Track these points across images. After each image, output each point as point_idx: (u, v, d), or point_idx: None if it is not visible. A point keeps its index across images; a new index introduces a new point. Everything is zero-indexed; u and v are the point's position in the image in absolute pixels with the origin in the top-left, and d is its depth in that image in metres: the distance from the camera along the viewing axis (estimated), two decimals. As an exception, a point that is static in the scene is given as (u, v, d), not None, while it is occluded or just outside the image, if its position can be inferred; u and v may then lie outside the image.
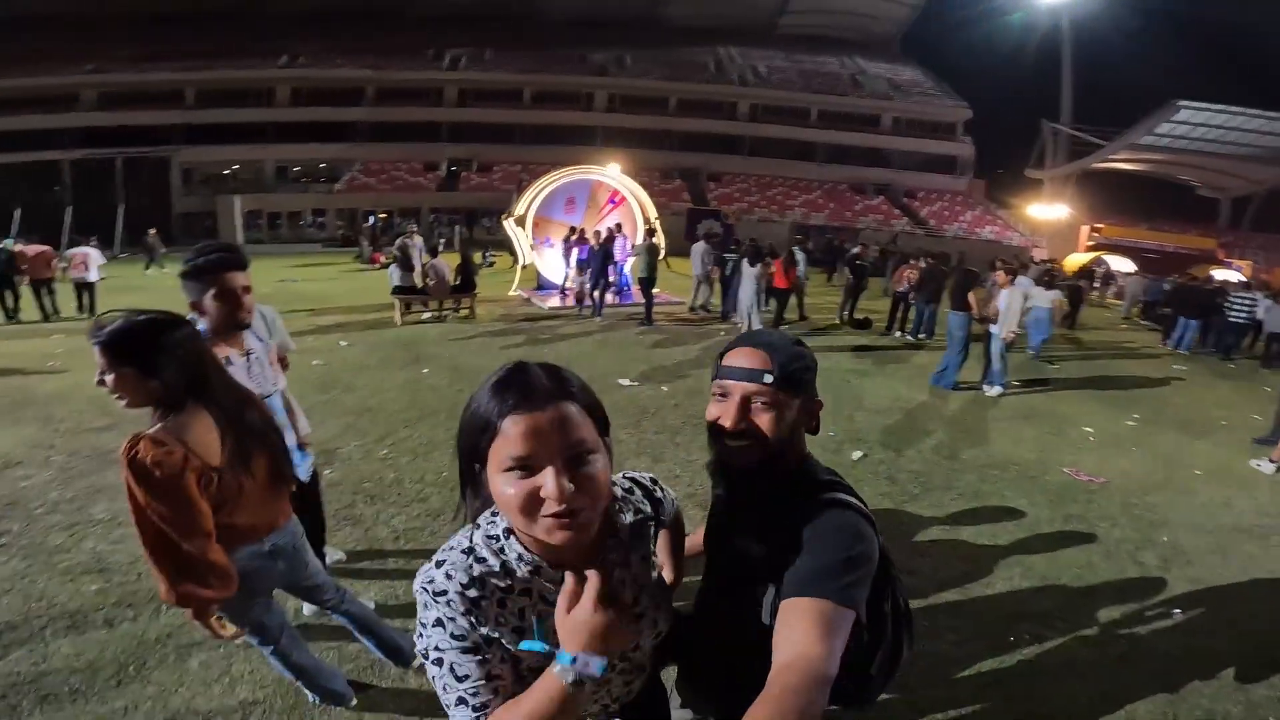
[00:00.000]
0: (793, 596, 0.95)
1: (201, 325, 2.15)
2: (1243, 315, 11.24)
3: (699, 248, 12.19)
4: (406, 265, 10.38)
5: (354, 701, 2.28)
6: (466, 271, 10.65)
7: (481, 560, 0.92)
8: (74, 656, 2.51)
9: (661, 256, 11.66)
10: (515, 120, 36.71)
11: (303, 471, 2.54)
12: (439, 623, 0.89)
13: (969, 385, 7.39)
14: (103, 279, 11.82)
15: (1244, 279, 18.39)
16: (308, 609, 2.74)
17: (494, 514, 0.95)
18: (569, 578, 0.87)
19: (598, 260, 10.60)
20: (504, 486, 0.85)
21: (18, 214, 25.42)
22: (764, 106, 39.03)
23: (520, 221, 12.79)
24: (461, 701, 0.89)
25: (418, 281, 10.32)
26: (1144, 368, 9.62)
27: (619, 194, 13.55)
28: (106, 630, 2.67)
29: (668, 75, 39.05)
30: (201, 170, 33.49)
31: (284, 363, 2.78)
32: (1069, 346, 11.00)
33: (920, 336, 10.30)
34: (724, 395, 1.10)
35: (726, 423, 1.07)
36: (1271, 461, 5.29)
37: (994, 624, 2.94)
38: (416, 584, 0.93)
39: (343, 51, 36.43)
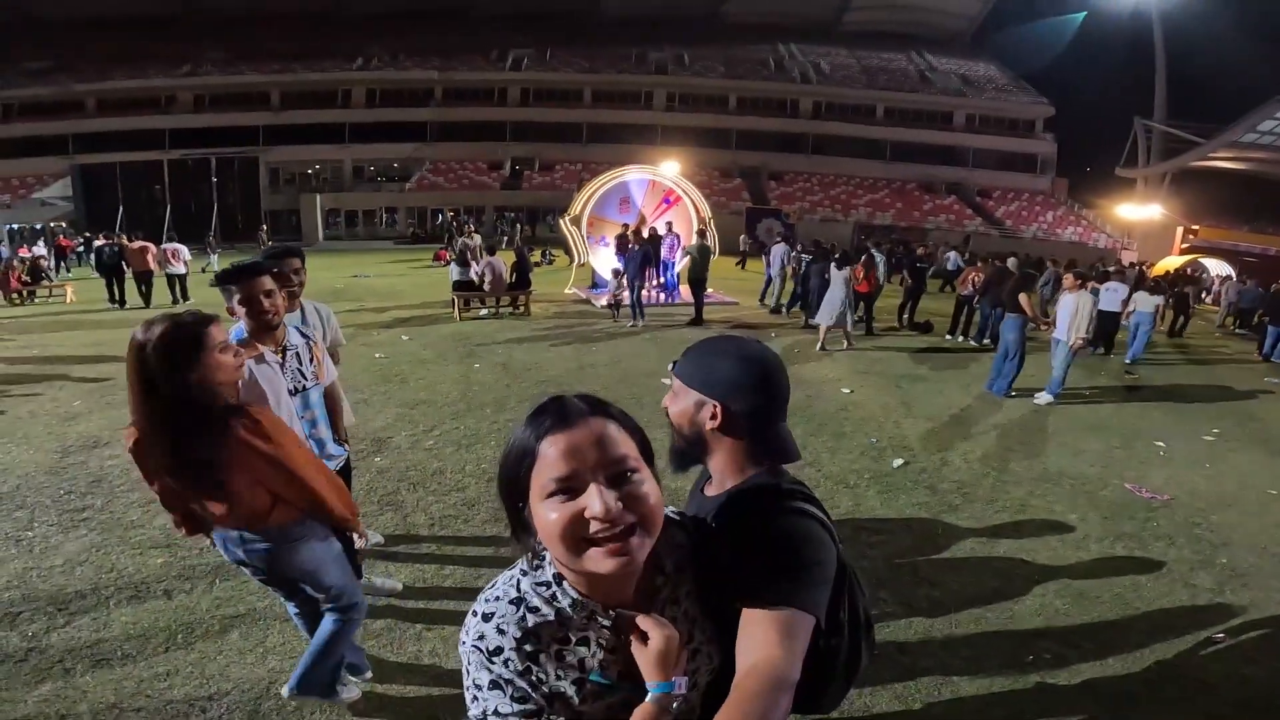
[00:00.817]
0: (753, 603, 0.94)
1: (240, 326, 2.36)
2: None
3: (779, 249, 12.42)
4: (465, 262, 10.74)
5: (369, 674, 2.43)
6: (521, 269, 10.93)
7: (534, 610, 0.87)
8: (131, 624, 2.75)
9: (715, 256, 11.67)
10: (576, 119, 37.25)
11: (333, 464, 2.60)
12: (496, 685, 0.84)
13: (1027, 393, 7.06)
14: (203, 271, 12.85)
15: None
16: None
17: (539, 559, 0.90)
18: (629, 621, 0.87)
19: (635, 262, 10.17)
20: (547, 513, 0.79)
21: (120, 211, 27.74)
22: (827, 104, 38.20)
23: (576, 221, 13.01)
24: None
25: (475, 279, 10.67)
26: (1233, 378, 8.94)
27: (674, 193, 13.58)
28: (164, 600, 2.92)
29: (727, 73, 38.71)
30: (286, 170, 35.54)
31: (334, 356, 3.01)
32: (1154, 354, 10.33)
33: (985, 341, 9.89)
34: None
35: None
36: (1363, 485, 4.83)
37: (1013, 641, 2.83)
38: (465, 642, 0.86)
39: (410, 53, 37.81)
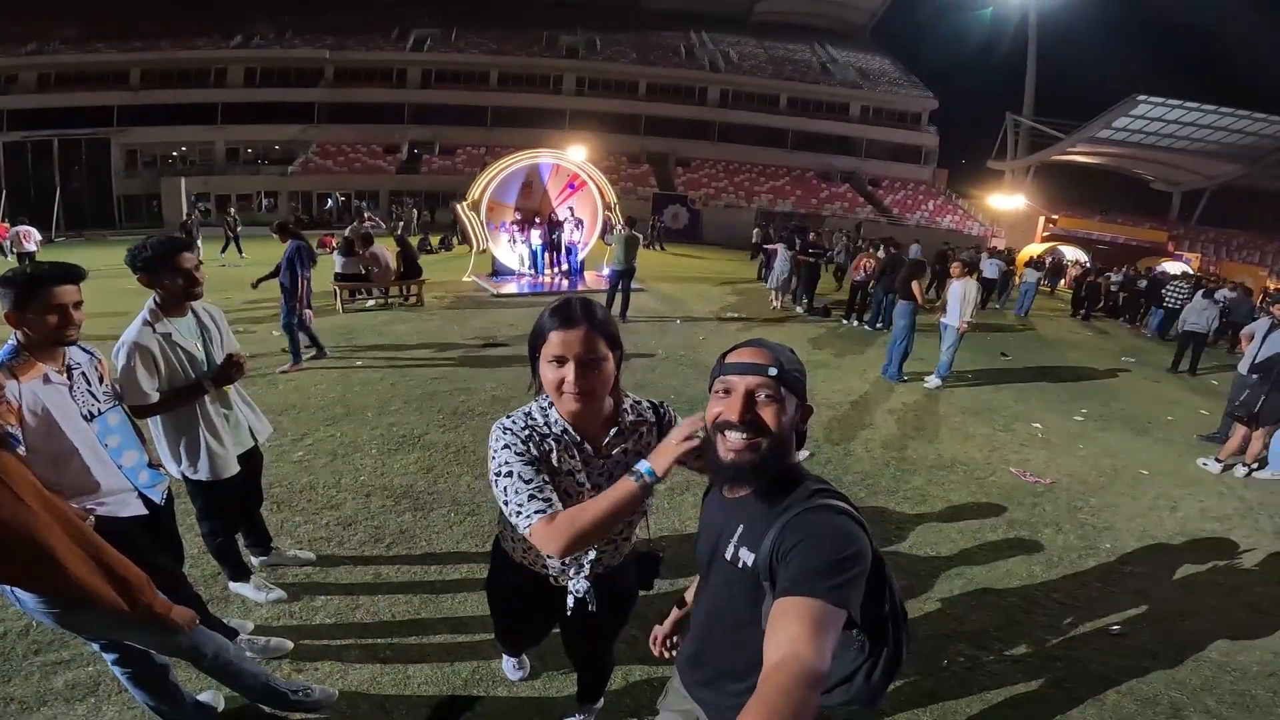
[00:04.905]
0: (784, 596, 0.98)
1: (13, 338, 1.88)
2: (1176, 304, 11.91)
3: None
4: (349, 251, 9.86)
5: None
6: (408, 258, 10.21)
7: (533, 419, 1.45)
8: None
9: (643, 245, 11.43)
10: (481, 102, 35.70)
11: (155, 493, 2.21)
12: (507, 446, 1.38)
13: (919, 376, 7.28)
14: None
15: (1190, 271, 19.48)
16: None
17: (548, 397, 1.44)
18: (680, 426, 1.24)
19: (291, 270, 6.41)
20: (546, 371, 1.36)
21: None
22: (734, 92, 38.67)
23: (475, 206, 12.31)
24: (532, 498, 1.32)
25: (361, 268, 9.82)
26: (1094, 359, 9.68)
27: (578, 178, 13.15)
28: None
29: (638, 59, 38.39)
30: (146, 152, 31.82)
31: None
32: (1021, 338, 11.05)
33: (878, 326, 10.22)
34: (727, 392, 1.15)
35: (732, 415, 1.12)
36: (1218, 461, 5.25)
37: (928, 644, 2.75)
38: (494, 429, 1.43)
39: (300, 31, 34.99)
